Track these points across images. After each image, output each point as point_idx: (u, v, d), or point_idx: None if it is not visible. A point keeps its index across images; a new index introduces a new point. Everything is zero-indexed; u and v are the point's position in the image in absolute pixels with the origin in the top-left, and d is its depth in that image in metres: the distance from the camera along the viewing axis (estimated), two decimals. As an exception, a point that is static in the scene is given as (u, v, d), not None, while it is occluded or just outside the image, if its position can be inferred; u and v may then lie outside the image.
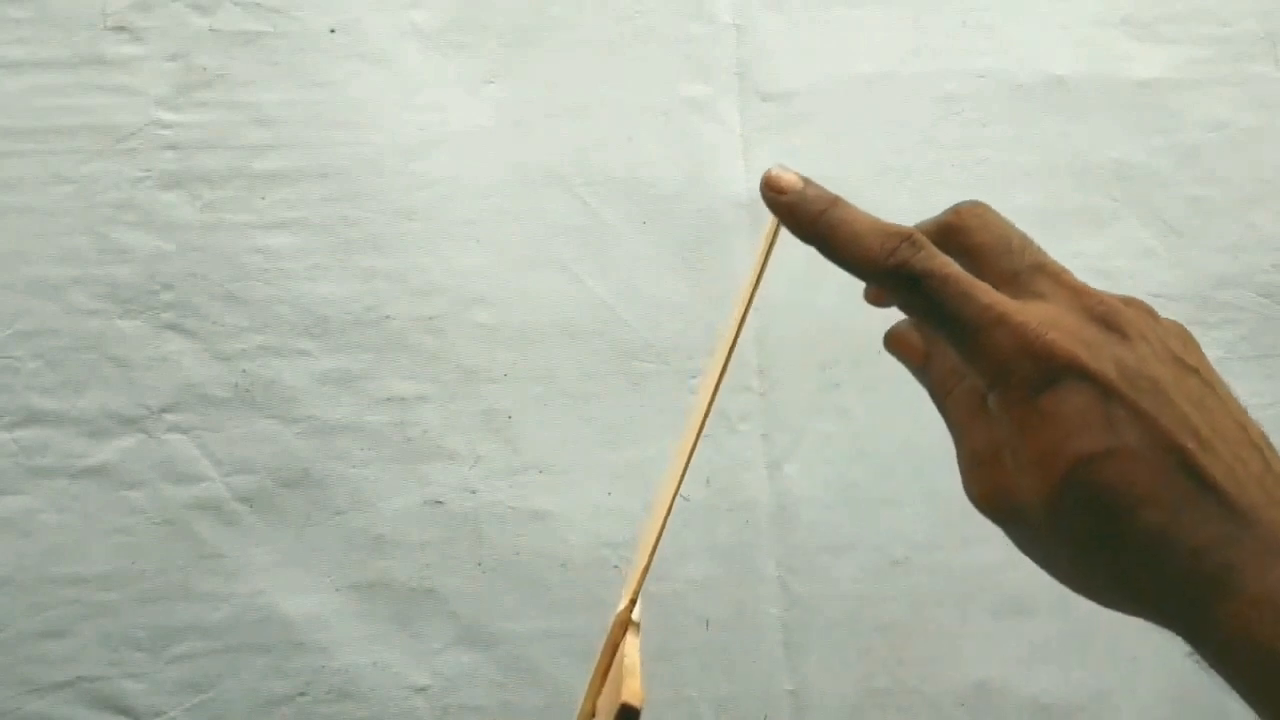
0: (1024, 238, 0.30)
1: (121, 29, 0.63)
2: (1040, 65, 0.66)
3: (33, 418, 0.59)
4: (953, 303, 0.26)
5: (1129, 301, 0.26)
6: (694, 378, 0.62)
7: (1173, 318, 0.26)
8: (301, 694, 0.57)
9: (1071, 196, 0.64)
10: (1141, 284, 0.64)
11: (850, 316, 0.63)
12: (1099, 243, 0.64)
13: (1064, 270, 0.28)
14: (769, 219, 0.35)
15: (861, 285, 0.34)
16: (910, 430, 0.62)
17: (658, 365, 0.62)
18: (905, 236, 0.28)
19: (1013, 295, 0.27)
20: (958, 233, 0.30)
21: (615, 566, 0.60)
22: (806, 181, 0.32)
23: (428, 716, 0.58)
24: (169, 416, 0.60)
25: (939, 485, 0.61)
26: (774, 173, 0.31)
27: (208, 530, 0.59)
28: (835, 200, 0.30)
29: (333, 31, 0.64)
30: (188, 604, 0.58)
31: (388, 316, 0.61)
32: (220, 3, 0.63)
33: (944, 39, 0.66)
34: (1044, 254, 0.29)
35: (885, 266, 0.27)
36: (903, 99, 0.65)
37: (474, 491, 0.60)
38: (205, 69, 0.63)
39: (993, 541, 0.24)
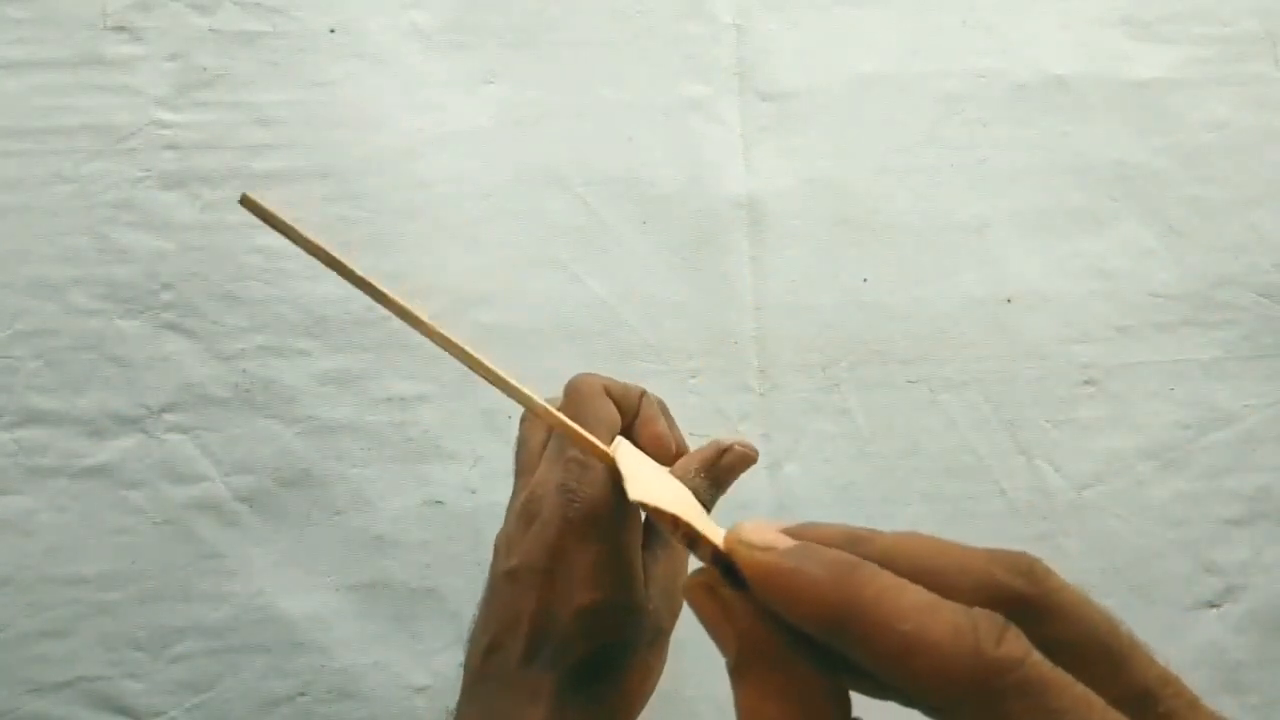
0: (1125, 633, 0.20)
1: (121, 29, 0.63)
2: (1040, 65, 0.66)
3: (33, 418, 0.59)
4: None
5: None
6: (694, 377, 0.62)
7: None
8: (301, 694, 0.57)
9: (1071, 196, 0.64)
10: (1141, 284, 0.64)
11: (850, 317, 0.63)
12: (1099, 243, 0.64)
13: (1195, 698, 0.19)
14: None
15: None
16: (910, 430, 0.62)
17: (658, 365, 0.62)
18: (995, 619, 0.17)
19: None
20: (1028, 615, 0.19)
21: (615, 566, 0.60)
22: (799, 533, 0.20)
23: (428, 716, 0.58)
24: (169, 416, 0.60)
25: (939, 485, 0.61)
26: (748, 527, 0.20)
27: (208, 530, 0.59)
28: (855, 565, 0.18)
29: (333, 31, 0.64)
30: (188, 604, 0.58)
31: (388, 316, 0.61)
32: (220, 3, 0.63)
33: (944, 39, 0.66)
34: (1159, 664, 0.19)
35: (974, 666, 0.17)
36: (903, 99, 0.65)
37: (474, 491, 0.60)
38: (205, 69, 0.63)
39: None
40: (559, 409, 0.40)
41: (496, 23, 0.65)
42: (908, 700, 0.19)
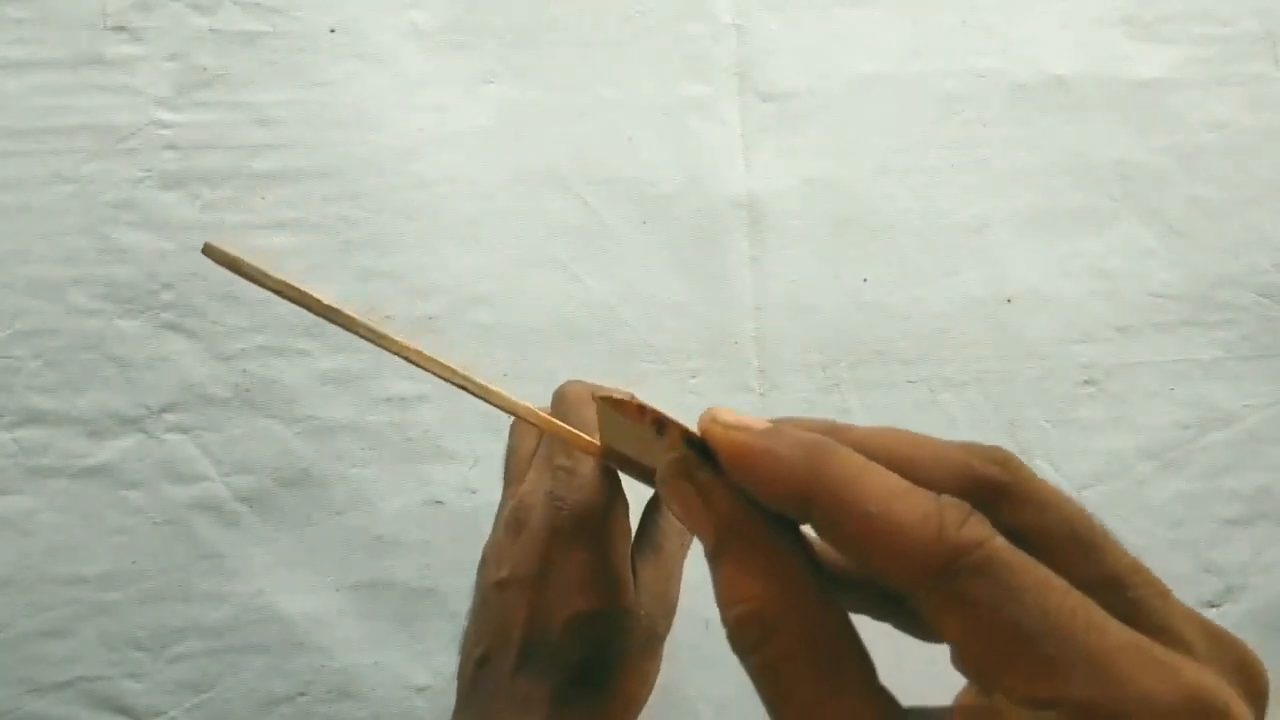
0: (1097, 523, 0.20)
1: (121, 29, 0.63)
2: (1040, 65, 0.66)
3: (33, 418, 0.59)
4: (1055, 621, 0.16)
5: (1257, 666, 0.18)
6: (694, 377, 0.62)
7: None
8: (301, 694, 0.57)
9: (1071, 196, 0.64)
10: (1141, 284, 0.64)
11: (850, 317, 0.63)
12: (1099, 243, 0.64)
13: (1166, 589, 0.19)
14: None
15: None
16: (910, 430, 0.62)
17: (658, 365, 0.62)
18: (961, 505, 0.17)
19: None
20: (1001, 504, 0.19)
21: (615, 566, 0.60)
22: (778, 423, 0.20)
23: (428, 716, 0.58)
24: (169, 416, 0.60)
25: (939, 485, 0.61)
26: (722, 409, 0.20)
27: (208, 530, 0.59)
28: (826, 445, 0.18)
29: (333, 31, 0.64)
30: (188, 604, 0.58)
31: (388, 316, 0.61)
32: (220, 3, 0.63)
33: (944, 39, 0.66)
34: (1129, 554, 0.19)
35: (935, 551, 0.17)
36: (903, 99, 0.65)
37: (474, 491, 0.60)
38: (205, 69, 0.63)
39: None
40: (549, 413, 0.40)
41: (496, 23, 0.65)
42: (871, 605, 0.19)
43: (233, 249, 0.26)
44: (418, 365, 0.30)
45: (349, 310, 0.28)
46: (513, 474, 0.44)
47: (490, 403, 0.31)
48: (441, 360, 0.30)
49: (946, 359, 0.62)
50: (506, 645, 0.39)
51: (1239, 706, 0.16)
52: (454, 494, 0.60)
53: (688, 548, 0.42)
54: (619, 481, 0.40)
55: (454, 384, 0.30)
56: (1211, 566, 0.61)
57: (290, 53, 0.63)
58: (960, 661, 0.17)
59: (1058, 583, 0.17)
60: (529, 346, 0.61)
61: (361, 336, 0.28)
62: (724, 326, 0.62)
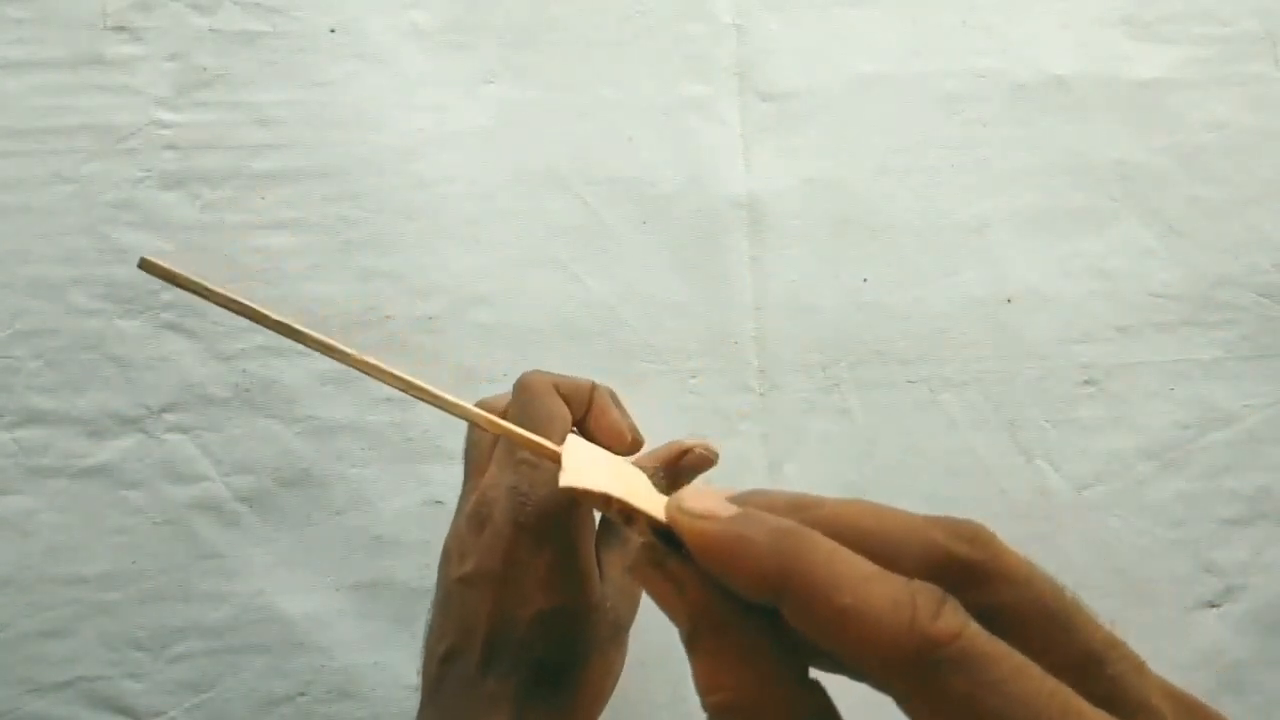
0: (1070, 598, 0.19)
1: (121, 29, 0.63)
2: (1040, 65, 0.66)
3: (33, 418, 0.59)
4: (1032, 712, 0.16)
5: None
6: (694, 377, 0.62)
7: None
8: (301, 694, 0.57)
9: (1071, 196, 0.64)
10: (1141, 284, 0.64)
11: (850, 317, 0.63)
12: (1099, 243, 0.64)
13: (1141, 663, 0.19)
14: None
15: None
16: (910, 430, 0.62)
17: (658, 365, 0.62)
18: (933, 591, 0.17)
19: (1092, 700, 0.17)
20: (973, 582, 0.19)
21: (615, 566, 0.60)
22: (745, 500, 0.20)
23: (428, 716, 0.58)
24: (169, 416, 0.60)
25: (939, 486, 0.61)
26: (688, 493, 0.20)
27: (208, 530, 0.59)
28: (795, 531, 0.18)
29: (333, 31, 0.64)
30: (188, 604, 0.58)
31: (388, 316, 0.61)
32: (220, 3, 0.63)
33: (944, 39, 0.66)
34: (1104, 628, 0.19)
35: (909, 643, 0.16)
36: (903, 99, 0.65)
37: (474, 491, 0.60)
38: (205, 69, 0.63)
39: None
40: (510, 405, 0.40)
41: (496, 23, 0.65)
42: (851, 673, 0.19)
43: (169, 262, 0.26)
44: (368, 374, 0.30)
45: (294, 322, 0.28)
46: (474, 466, 0.44)
47: (444, 409, 0.31)
48: (392, 369, 0.30)
49: (946, 359, 0.62)
50: (471, 641, 0.39)
51: None
52: (454, 494, 0.60)
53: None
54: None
55: (407, 392, 0.30)
56: (1211, 566, 0.61)
57: (290, 53, 0.63)
58: None
59: (1034, 670, 0.16)
60: (529, 346, 0.61)
61: (309, 347, 0.28)
62: (724, 326, 0.62)
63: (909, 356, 0.62)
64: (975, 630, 0.17)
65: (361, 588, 0.59)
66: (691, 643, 0.19)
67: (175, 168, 0.62)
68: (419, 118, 0.63)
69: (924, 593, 0.17)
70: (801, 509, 0.20)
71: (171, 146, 0.62)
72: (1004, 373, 0.63)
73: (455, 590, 0.40)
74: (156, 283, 0.61)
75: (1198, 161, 0.65)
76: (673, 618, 0.20)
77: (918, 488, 0.61)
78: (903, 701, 0.17)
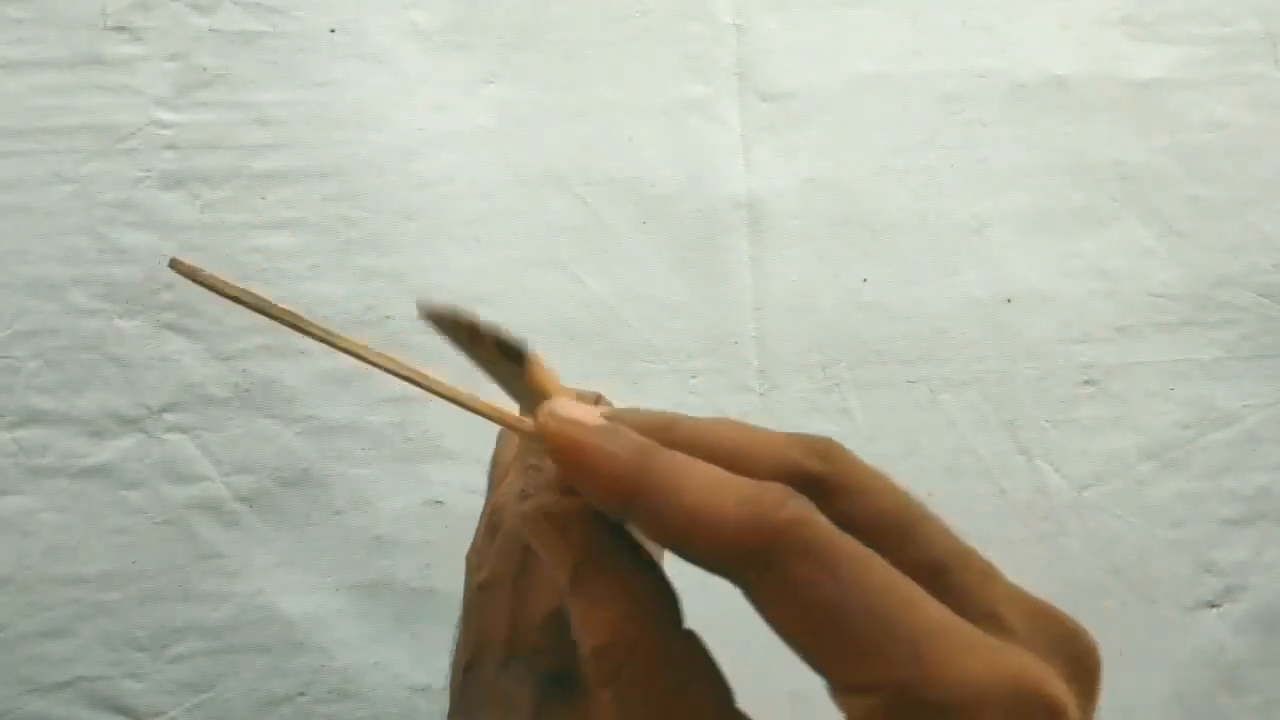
0: (918, 507, 0.20)
1: (121, 29, 0.63)
2: (1040, 65, 0.66)
3: (33, 418, 0.59)
4: (874, 600, 0.16)
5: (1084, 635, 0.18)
6: (694, 377, 0.62)
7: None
8: (301, 694, 0.57)
9: (1071, 196, 0.64)
10: (1141, 284, 0.64)
11: (850, 317, 0.63)
12: (1099, 243, 0.64)
13: (994, 568, 0.19)
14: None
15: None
16: (910, 430, 0.62)
17: (658, 365, 0.62)
18: (779, 488, 0.17)
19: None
20: (825, 495, 0.19)
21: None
22: (612, 417, 0.20)
23: (428, 716, 0.58)
24: (169, 416, 0.60)
25: (939, 485, 0.61)
26: (560, 402, 0.20)
27: (208, 530, 0.59)
28: (652, 448, 0.18)
29: (333, 31, 0.64)
30: (188, 604, 0.58)
31: (388, 316, 0.61)
32: (220, 3, 0.63)
33: (944, 39, 0.66)
34: (954, 537, 0.19)
35: (754, 532, 0.17)
36: (903, 99, 0.65)
37: (474, 491, 0.60)
38: (205, 69, 0.63)
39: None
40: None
41: (496, 23, 0.65)
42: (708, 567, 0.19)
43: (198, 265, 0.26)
44: (375, 365, 0.30)
45: (333, 330, 0.28)
46: (495, 479, 0.44)
47: (446, 398, 0.31)
48: (399, 360, 0.30)
49: (946, 359, 0.62)
50: (490, 648, 0.39)
51: (1057, 688, 0.16)
52: (454, 494, 0.60)
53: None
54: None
55: (413, 383, 0.29)
56: (1211, 566, 0.61)
57: (290, 53, 0.63)
58: (789, 645, 0.17)
59: (878, 563, 0.17)
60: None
61: (316, 339, 0.28)
62: (724, 326, 0.62)
63: (909, 356, 0.62)
64: (820, 520, 0.17)
65: (361, 588, 0.59)
66: (574, 587, 0.19)
67: (175, 168, 0.62)
68: (419, 118, 0.63)
69: (770, 489, 0.17)
70: (664, 428, 0.20)
71: (171, 146, 0.62)
72: (1004, 373, 0.63)
73: (474, 599, 0.40)
74: (156, 283, 0.61)
75: (1198, 161, 0.65)
76: (556, 561, 0.20)
77: (917, 488, 0.61)
78: (750, 592, 0.17)
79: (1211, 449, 0.62)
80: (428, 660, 0.58)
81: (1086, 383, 0.63)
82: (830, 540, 0.16)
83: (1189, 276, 0.64)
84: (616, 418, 0.20)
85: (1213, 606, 0.60)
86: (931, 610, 0.16)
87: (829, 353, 0.62)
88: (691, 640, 0.19)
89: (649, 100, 0.64)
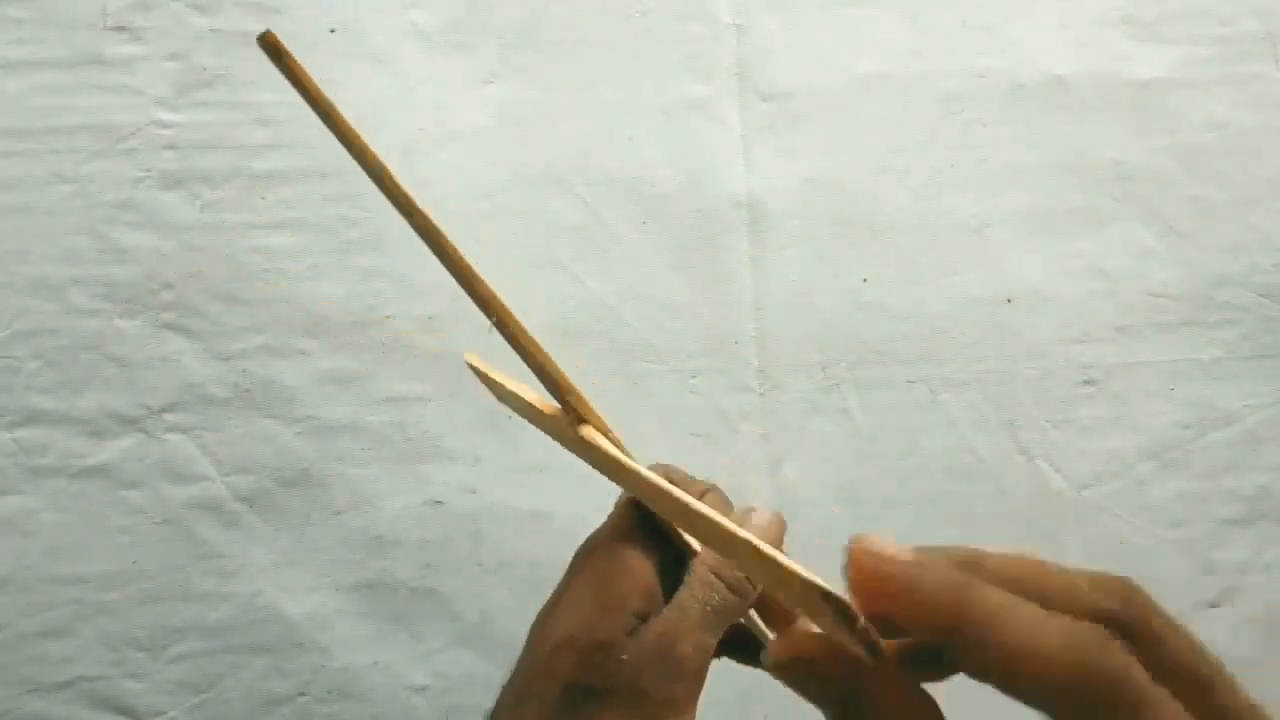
0: (1214, 660, 0.20)
1: (121, 29, 0.63)
2: (1040, 65, 0.66)
3: (33, 418, 0.59)
4: None
5: None
6: (694, 377, 0.62)
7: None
8: (301, 694, 0.57)
9: (1071, 196, 0.64)
10: (1141, 284, 0.64)
11: (850, 317, 0.63)
12: (1099, 243, 0.64)
13: None
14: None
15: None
16: (910, 430, 0.62)
17: (658, 365, 0.62)
18: (1101, 631, 0.18)
19: None
20: (1132, 640, 0.19)
21: (615, 566, 0.60)
22: (920, 551, 0.21)
23: (428, 716, 0.58)
24: (169, 416, 0.60)
25: (939, 485, 0.61)
26: (869, 539, 0.20)
27: (208, 530, 0.59)
28: (971, 583, 0.19)
29: (333, 31, 0.64)
30: (188, 604, 0.58)
31: (388, 316, 0.61)
32: (220, 3, 0.63)
33: (944, 39, 0.66)
34: (1245, 693, 0.20)
35: (1077, 678, 0.17)
36: (903, 99, 0.65)
37: (474, 491, 0.60)
38: (205, 69, 0.63)
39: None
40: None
41: (496, 23, 0.65)
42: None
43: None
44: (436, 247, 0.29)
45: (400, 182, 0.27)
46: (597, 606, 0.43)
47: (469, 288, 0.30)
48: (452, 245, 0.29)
49: (946, 359, 0.62)
50: (514, 676, 0.39)
51: None
52: (454, 494, 0.60)
53: (719, 616, 0.37)
54: (635, 521, 0.39)
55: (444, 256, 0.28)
56: (1211, 566, 0.61)
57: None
58: None
59: (1186, 717, 0.17)
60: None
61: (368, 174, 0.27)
62: (724, 326, 0.62)
63: (909, 356, 0.62)
64: (1140, 671, 0.18)
65: (361, 588, 0.59)
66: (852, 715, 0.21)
67: (175, 168, 0.62)
68: (419, 118, 0.63)
69: (1092, 632, 0.18)
70: (968, 564, 0.21)
71: (171, 146, 0.62)
72: (1004, 373, 0.63)
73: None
74: (156, 283, 0.61)
75: (1198, 161, 0.65)
76: (823, 702, 0.21)
77: (917, 488, 0.61)
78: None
79: (1211, 449, 0.62)
80: (428, 660, 0.58)
81: (1086, 383, 0.63)
82: (1150, 695, 0.17)
83: (1189, 276, 0.64)
84: (925, 552, 0.21)
85: (1213, 606, 0.60)
86: None
87: (829, 353, 0.62)
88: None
89: (649, 100, 0.64)
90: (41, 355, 0.60)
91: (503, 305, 0.31)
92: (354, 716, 0.58)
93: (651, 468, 0.39)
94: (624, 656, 0.36)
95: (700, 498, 0.37)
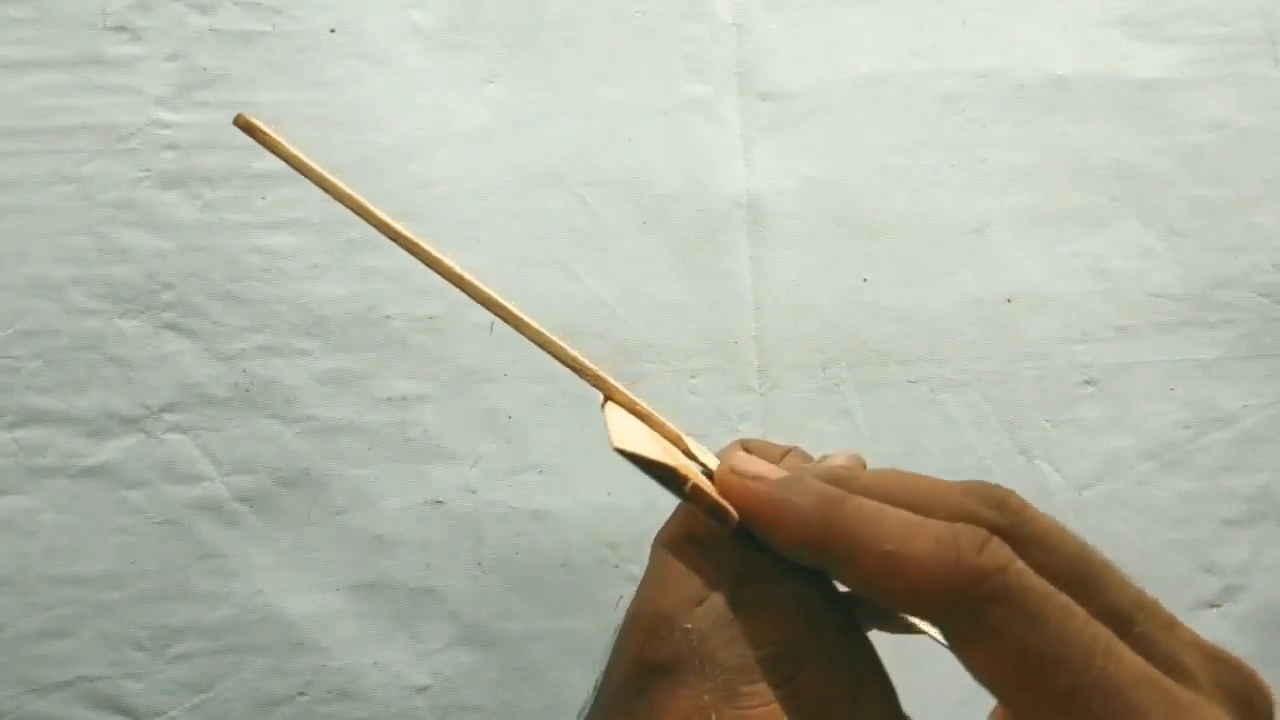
0: (1100, 559, 0.20)
1: (121, 29, 0.63)
2: (1040, 65, 0.66)
3: (33, 418, 0.59)
4: (1075, 649, 0.16)
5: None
6: (694, 377, 0.62)
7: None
8: (301, 694, 0.57)
9: (1071, 196, 0.64)
10: (1141, 284, 0.64)
11: (850, 316, 0.63)
12: (1099, 243, 0.64)
13: (1174, 617, 0.19)
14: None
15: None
16: (910, 430, 0.62)
17: (658, 365, 0.62)
18: (976, 531, 0.18)
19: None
20: (1012, 546, 0.18)
21: (615, 566, 0.60)
22: (794, 470, 0.20)
23: (428, 716, 0.58)
24: (169, 416, 0.60)
25: (939, 485, 0.61)
26: (739, 458, 0.20)
27: (208, 530, 0.59)
28: (840, 495, 0.19)
29: (333, 31, 0.64)
30: (188, 604, 0.58)
31: (388, 316, 0.61)
32: (220, 3, 0.63)
33: (944, 39, 0.66)
34: (1135, 586, 0.20)
35: (955, 577, 0.17)
36: (903, 99, 0.65)
37: (474, 491, 0.60)
38: (205, 69, 0.63)
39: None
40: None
41: (496, 23, 0.65)
42: (892, 623, 0.20)
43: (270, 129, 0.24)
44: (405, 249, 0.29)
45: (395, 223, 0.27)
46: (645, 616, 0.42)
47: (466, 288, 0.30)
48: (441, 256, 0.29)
49: (946, 359, 0.62)
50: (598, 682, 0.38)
51: None
52: (454, 494, 0.60)
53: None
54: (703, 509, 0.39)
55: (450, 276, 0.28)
56: (1211, 566, 0.61)
57: (290, 53, 0.63)
58: (984, 685, 0.17)
59: (1079, 611, 0.17)
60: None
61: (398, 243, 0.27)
62: (724, 326, 0.62)
63: (909, 356, 0.62)
64: (1020, 567, 0.17)
65: (361, 588, 0.59)
66: (737, 600, 0.20)
67: (175, 168, 0.62)
68: (419, 118, 0.63)
69: (966, 532, 0.17)
70: (838, 480, 0.20)
71: (171, 146, 0.62)
72: (1004, 373, 0.63)
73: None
74: (156, 283, 0.61)
75: (1198, 161, 0.65)
76: (709, 581, 0.21)
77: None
78: (950, 638, 0.17)
79: (1211, 449, 0.62)
80: (428, 660, 0.59)
81: (1086, 383, 0.63)
82: (1033, 588, 0.17)
83: (1189, 276, 0.64)
84: (797, 471, 0.20)
85: (1213, 606, 0.60)
86: (1129, 661, 0.16)
87: (829, 352, 0.62)
88: (862, 644, 0.19)
89: (649, 100, 0.64)
90: (41, 355, 0.60)
91: (503, 305, 0.30)
92: (354, 716, 0.58)
93: (733, 444, 0.39)
94: (688, 625, 0.35)
95: (781, 459, 0.36)
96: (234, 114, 0.24)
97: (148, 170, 0.62)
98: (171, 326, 0.60)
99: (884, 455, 0.62)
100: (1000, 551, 0.17)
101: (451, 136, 0.63)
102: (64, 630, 0.57)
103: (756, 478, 0.19)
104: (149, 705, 0.57)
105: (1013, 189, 0.64)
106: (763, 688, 0.33)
